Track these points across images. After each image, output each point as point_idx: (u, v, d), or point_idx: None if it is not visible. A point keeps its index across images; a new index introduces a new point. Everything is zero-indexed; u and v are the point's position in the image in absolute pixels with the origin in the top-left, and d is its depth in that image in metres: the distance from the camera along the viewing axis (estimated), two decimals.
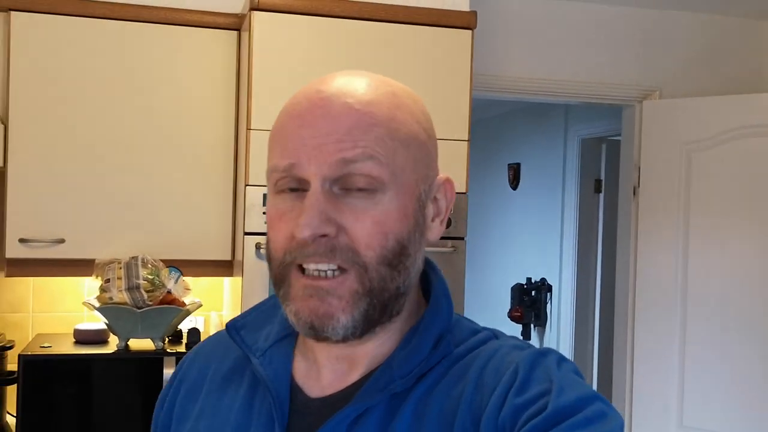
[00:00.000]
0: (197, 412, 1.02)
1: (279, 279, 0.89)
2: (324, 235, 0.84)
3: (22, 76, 2.77)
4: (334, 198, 0.85)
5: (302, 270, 0.87)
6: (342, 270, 0.85)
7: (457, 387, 0.87)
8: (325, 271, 0.85)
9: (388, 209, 0.86)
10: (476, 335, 0.94)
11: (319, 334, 0.86)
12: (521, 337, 5.70)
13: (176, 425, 1.04)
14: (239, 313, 1.05)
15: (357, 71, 0.92)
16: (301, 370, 0.97)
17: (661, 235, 3.77)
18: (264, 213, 2.71)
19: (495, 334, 0.95)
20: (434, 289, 0.96)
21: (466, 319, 0.98)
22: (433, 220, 0.93)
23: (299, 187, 0.86)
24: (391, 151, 0.86)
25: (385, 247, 0.85)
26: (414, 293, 0.94)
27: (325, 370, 0.94)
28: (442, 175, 0.94)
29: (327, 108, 0.86)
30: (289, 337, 0.99)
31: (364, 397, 0.88)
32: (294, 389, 0.95)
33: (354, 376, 0.93)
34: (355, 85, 0.88)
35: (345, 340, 0.87)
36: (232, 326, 1.02)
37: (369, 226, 0.85)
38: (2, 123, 2.74)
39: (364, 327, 0.87)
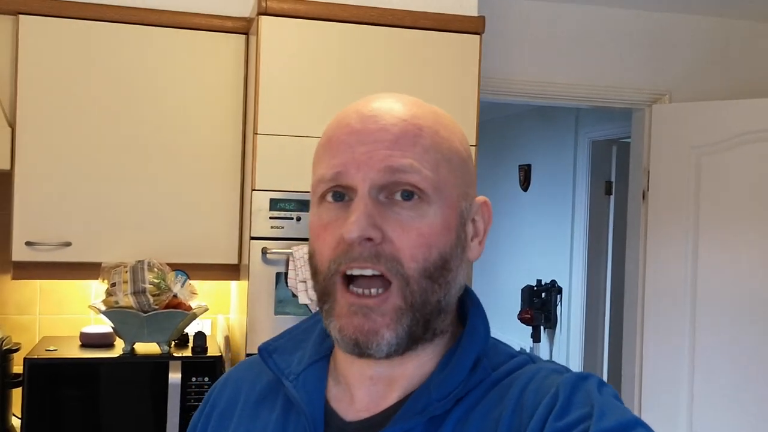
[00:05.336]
0: None
1: (324, 293, 0.89)
2: (370, 239, 0.84)
3: (29, 79, 2.77)
4: (380, 206, 0.86)
5: (347, 285, 0.87)
6: (385, 286, 0.86)
7: (495, 409, 0.87)
8: (370, 290, 0.86)
9: (433, 222, 0.86)
10: (513, 359, 0.94)
11: (363, 351, 0.86)
12: (531, 339, 5.74)
13: None
14: (271, 337, 1.04)
15: (396, 93, 0.94)
16: (334, 395, 0.96)
17: (670, 239, 3.76)
18: (270, 218, 2.74)
19: (532, 359, 0.94)
20: (471, 311, 0.96)
21: (502, 342, 0.98)
22: (471, 240, 0.94)
23: (345, 195, 0.87)
24: (436, 163, 0.87)
25: (428, 260, 0.86)
26: (452, 315, 0.95)
27: (359, 393, 0.93)
28: (480, 197, 0.96)
29: (376, 118, 0.88)
30: (321, 360, 0.99)
31: (401, 419, 0.88)
32: (328, 413, 0.94)
33: (390, 399, 0.92)
34: (400, 102, 0.91)
35: (388, 356, 0.87)
36: (265, 350, 1.02)
37: (414, 238, 0.85)
38: (10, 126, 2.75)
39: (408, 343, 0.87)
